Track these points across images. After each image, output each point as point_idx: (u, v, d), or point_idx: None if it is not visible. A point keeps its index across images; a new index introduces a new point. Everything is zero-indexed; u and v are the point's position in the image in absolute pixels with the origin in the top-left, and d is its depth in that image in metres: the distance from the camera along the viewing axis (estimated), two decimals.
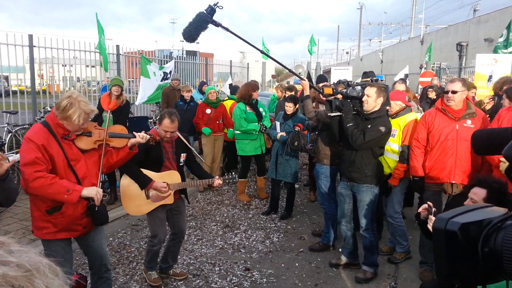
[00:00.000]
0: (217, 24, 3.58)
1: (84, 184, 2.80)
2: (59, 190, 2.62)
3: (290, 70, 5.29)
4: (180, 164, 3.80)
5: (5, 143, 6.30)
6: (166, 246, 4.10)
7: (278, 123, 5.85)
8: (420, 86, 13.14)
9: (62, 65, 10.60)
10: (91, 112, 2.80)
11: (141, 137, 3.09)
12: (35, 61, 7.88)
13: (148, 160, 3.58)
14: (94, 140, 2.91)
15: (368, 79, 5.43)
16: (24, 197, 5.98)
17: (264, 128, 6.34)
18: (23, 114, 7.84)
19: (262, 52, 4.40)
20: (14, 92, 8.60)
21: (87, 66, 11.74)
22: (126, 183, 3.66)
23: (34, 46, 7.39)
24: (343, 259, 4.41)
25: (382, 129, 3.82)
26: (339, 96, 4.13)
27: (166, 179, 3.65)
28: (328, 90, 4.23)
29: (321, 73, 17.30)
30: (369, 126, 3.85)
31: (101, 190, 2.84)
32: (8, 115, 6.95)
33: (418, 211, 2.77)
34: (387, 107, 4.15)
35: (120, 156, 3.05)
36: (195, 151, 3.88)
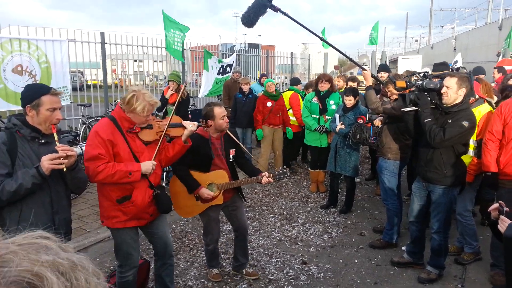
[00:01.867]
0: (276, 9, 3.50)
1: (149, 174, 2.96)
2: (122, 176, 2.78)
3: (351, 60, 5.14)
4: (230, 160, 3.75)
5: (80, 134, 6.80)
6: (234, 244, 4.10)
7: (337, 116, 5.68)
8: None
9: (134, 61, 11.20)
10: (155, 104, 2.94)
11: (191, 125, 3.19)
12: (108, 57, 8.38)
13: (197, 158, 3.56)
14: (155, 131, 3.06)
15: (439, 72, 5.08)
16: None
17: (322, 129, 6.21)
18: (96, 107, 8.39)
19: (321, 39, 4.23)
20: (92, 86, 9.23)
21: (155, 61, 12.29)
22: (175, 184, 3.68)
23: (106, 43, 7.85)
24: (406, 257, 4.21)
25: (466, 123, 3.46)
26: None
27: (214, 179, 3.63)
28: (401, 83, 3.93)
29: (387, 63, 16.59)
30: (449, 121, 3.52)
31: (155, 163, 2.97)
32: (82, 108, 7.48)
33: (489, 210, 2.55)
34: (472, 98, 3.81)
35: (176, 150, 3.16)
36: (243, 147, 3.84)
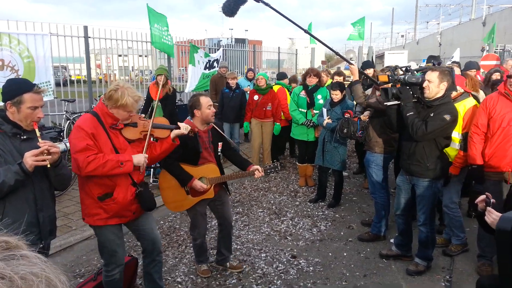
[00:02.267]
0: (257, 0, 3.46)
1: (131, 172, 2.87)
2: (113, 166, 2.71)
3: (338, 54, 5.12)
4: (218, 154, 3.74)
5: (64, 130, 6.66)
6: (217, 238, 4.09)
7: (325, 110, 5.68)
8: (482, 70, 12.33)
9: (118, 55, 11.02)
10: (138, 99, 2.87)
11: (184, 128, 3.13)
12: (92, 52, 8.21)
13: (185, 151, 3.53)
14: (139, 130, 2.99)
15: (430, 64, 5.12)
16: None
17: (309, 123, 6.19)
18: (80, 102, 8.24)
19: (305, 31, 4.20)
20: (76, 81, 9.05)
21: (140, 56, 12.11)
22: (164, 179, 3.63)
23: (89, 37, 7.69)
24: (395, 250, 4.24)
25: (447, 117, 3.50)
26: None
27: (205, 173, 3.60)
28: (383, 78, 3.93)
29: (373, 58, 16.68)
30: (431, 115, 3.55)
31: (147, 156, 2.92)
32: (66, 103, 7.33)
33: (475, 202, 2.57)
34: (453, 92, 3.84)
35: (163, 148, 3.10)
36: (229, 139, 3.79)
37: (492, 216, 2.29)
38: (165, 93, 6.43)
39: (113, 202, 2.85)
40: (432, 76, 3.55)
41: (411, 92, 3.64)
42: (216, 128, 3.70)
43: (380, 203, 4.66)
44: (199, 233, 3.81)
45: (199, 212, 3.74)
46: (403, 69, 4.05)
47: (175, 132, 3.11)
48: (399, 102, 3.71)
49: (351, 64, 4.39)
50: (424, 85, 3.58)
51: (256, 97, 7.07)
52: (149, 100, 6.58)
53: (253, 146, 7.28)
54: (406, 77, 3.63)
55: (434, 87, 3.55)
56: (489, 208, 2.39)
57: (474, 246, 4.14)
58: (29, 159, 2.26)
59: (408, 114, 3.57)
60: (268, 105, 7.05)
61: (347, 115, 5.32)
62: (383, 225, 4.69)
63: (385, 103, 3.86)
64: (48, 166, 2.33)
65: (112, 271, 3.04)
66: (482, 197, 2.50)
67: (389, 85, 3.86)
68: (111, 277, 3.05)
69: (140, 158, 2.84)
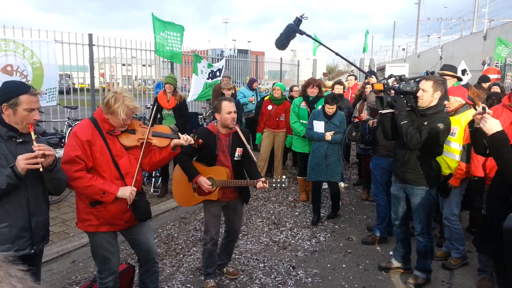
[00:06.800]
0: (302, 33, 3.75)
1: (126, 179, 2.85)
2: (95, 192, 2.70)
3: (361, 70, 5.27)
4: (235, 159, 3.70)
5: (65, 136, 6.67)
6: (221, 244, 4.07)
7: (322, 123, 5.48)
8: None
9: (122, 65, 11.08)
10: (134, 109, 2.83)
11: (184, 139, 3.08)
12: (96, 61, 8.27)
13: (202, 153, 3.60)
14: (137, 138, 2.95)
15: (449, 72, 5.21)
16: None
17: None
18: (83, 110, 8.28)
19: (343, 58, 4.42)
20: (79, 90, 9.09)
21: (144, 65, 12.19)
22: (178, 172, 3.71)
23: (94, 45, 7.75)
24: (394, 262, 4.21)
25: (441, 125, 3.53)
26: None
27: (214, 174, 3.61)
28: (378, 86, 4.00)
29: (375, 70, 16.76)
30: (425, 123, 3.59)
31: (135, 189, 2.84)
32: (68, 110, 7.36)
33: (472, 117, 2.64)
34: (445, 102, 3.89)
35: (162, 155, 3.05)
36: (250, 149, 3.77)
37: (487, 122, 2.38)
38: (177, 101, 6.43)
39: (104, 209, 2.81)
40: (427, 85, 3.59)
41: (405, 101, 3.69)
42: (239, 133, 3.69)
43: (382, 205, 4.83)
44: (211, 236, 3.74)
45: (212, 213, 3.73)
46: (397, 77, 4.11)
47: (175, 141, 3.07)
48: (393, 110, 3.75)
49: (371, 76, 4.51)
50: (419, 94, 3.62)
51: (270, 107, 7.02)
52: (159, 108, 6.53)
53: (261, 156, 7.17)
54: (401, 86, 3.67)
55: (428, 96, 3.59)
56: (485, 115, 2.43)
57: (474, 260, 4.11)
58: (21, 162, 2.23)
59: (402, 123, 3.61)
60: (281, 115, 6.98)
61: (356, 120, 5.34)
62: (385, 227, 4.78)
63: (379, 111, 3.91)
64: (41, 170, 2.29)
65: (105, 279, 2.99)
66: (479, 110, 2.52)
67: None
68: (104, 284, 3.00)
69: (125, 191, 2.78)
